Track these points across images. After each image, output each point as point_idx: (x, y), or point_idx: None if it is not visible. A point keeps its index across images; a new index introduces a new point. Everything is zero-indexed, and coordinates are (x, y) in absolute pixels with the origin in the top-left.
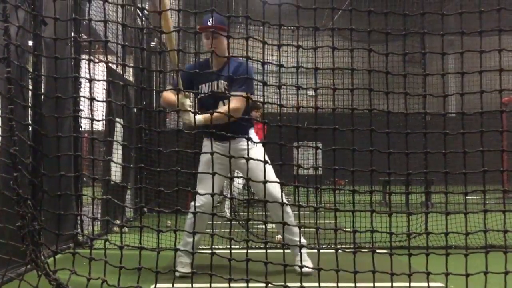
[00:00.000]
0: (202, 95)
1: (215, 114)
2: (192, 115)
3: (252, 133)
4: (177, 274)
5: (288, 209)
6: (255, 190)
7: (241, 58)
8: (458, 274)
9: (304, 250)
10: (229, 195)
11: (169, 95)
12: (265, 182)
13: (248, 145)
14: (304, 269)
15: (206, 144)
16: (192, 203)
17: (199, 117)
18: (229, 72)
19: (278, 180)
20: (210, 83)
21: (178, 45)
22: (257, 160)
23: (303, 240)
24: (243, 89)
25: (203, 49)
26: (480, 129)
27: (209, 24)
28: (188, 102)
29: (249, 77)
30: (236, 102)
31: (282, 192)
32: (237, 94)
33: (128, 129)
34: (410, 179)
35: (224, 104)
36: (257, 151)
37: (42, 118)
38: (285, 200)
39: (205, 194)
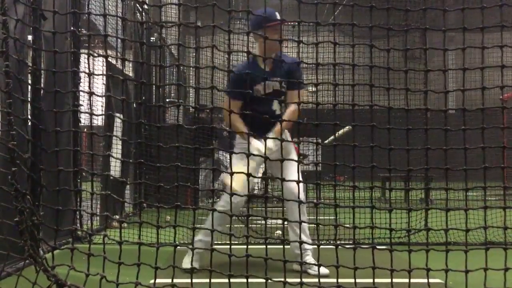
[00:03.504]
0: (258, 95)
1: (285, 123)
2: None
3: (287, 133)
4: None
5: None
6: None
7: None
8: (458, 271)
9: (309, 251)
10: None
11: (240, 125)
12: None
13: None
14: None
15: (242, 142)
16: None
17: (271, 143)
18: (284, 71)
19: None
20: (266, 83)
21: (178, 39)
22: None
23: (309, 240)
24: (303, 86)
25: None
26: (481, 126)
27: (278, 17)
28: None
29: (302, 76)
30: (294, 95)
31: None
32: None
33: (128, 124)
34: (410, 176)
35: (279, 104)
36: (291, 148)
37: (41, 113)
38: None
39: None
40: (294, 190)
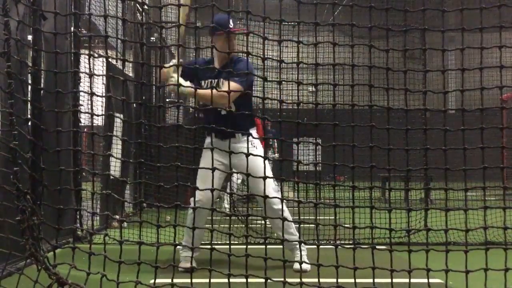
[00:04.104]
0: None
1: (200, 91)
2: (176, 81)
3: (253, 133)
4: (180, 269)
5: (287, 213)
6: (253, 192)
7: (243, 56)
8: (458, 271)
9: (304, 252)
10: (228, 191)
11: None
12: (264, 177)
13: (248, 144)
14: (302, 266)
15: (207, 142)
16: (193, 199)
17: (186, 88)
18: (232, 69)
19: (276, 185)
20: (212, 80)
21: (178, 40)
22: (257, 155)
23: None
24: (239, 81)
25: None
26: (480, 126)
27: (231, 26)
28: (175, 75)
29: (249, 72)
30: (226, 89)
31: (282, 198)
32: (231, 83)
33: (128, 124)
34: (410, 176)
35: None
36: (257, 153)
37: (42, 113)
38: (284, 206)
39: (204, 189)
40: (263, 190)
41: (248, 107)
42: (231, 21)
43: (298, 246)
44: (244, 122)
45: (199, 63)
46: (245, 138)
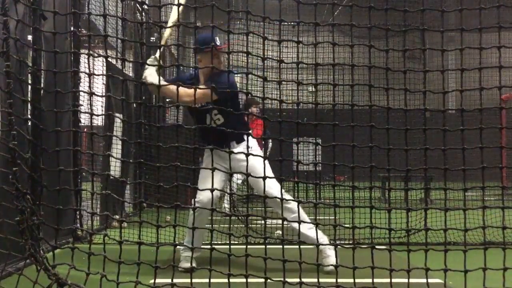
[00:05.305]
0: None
1: (166, 86)
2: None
3: (250, 140)
4: (180, 269)
5: (291, 205)
6: (257, 192)
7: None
8: (457, 270)
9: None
10: (228, 191)
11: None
12: (264, 178)
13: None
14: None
15: (206, 151)
16: (194, 199)
17: (151, 80)
18: (212, 82)
19: (278, 187)
20: None
21: (178, 40)
22: (257, 156)
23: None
24: (210, 84)
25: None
26: (480, 126)
27: (220, 43)
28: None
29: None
30: (196, 91)
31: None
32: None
33: (128, 124)
34: (410, 176)
35: (210, 118)
36: (257, 159)
37: (42, 113)
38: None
39: (204, 189)
40: (268, 191)
41: (237, 116)
42: (217, 38)
43: (327, 248)
44: (236, 130)
45: (184, 78)
46: (240, 145)
